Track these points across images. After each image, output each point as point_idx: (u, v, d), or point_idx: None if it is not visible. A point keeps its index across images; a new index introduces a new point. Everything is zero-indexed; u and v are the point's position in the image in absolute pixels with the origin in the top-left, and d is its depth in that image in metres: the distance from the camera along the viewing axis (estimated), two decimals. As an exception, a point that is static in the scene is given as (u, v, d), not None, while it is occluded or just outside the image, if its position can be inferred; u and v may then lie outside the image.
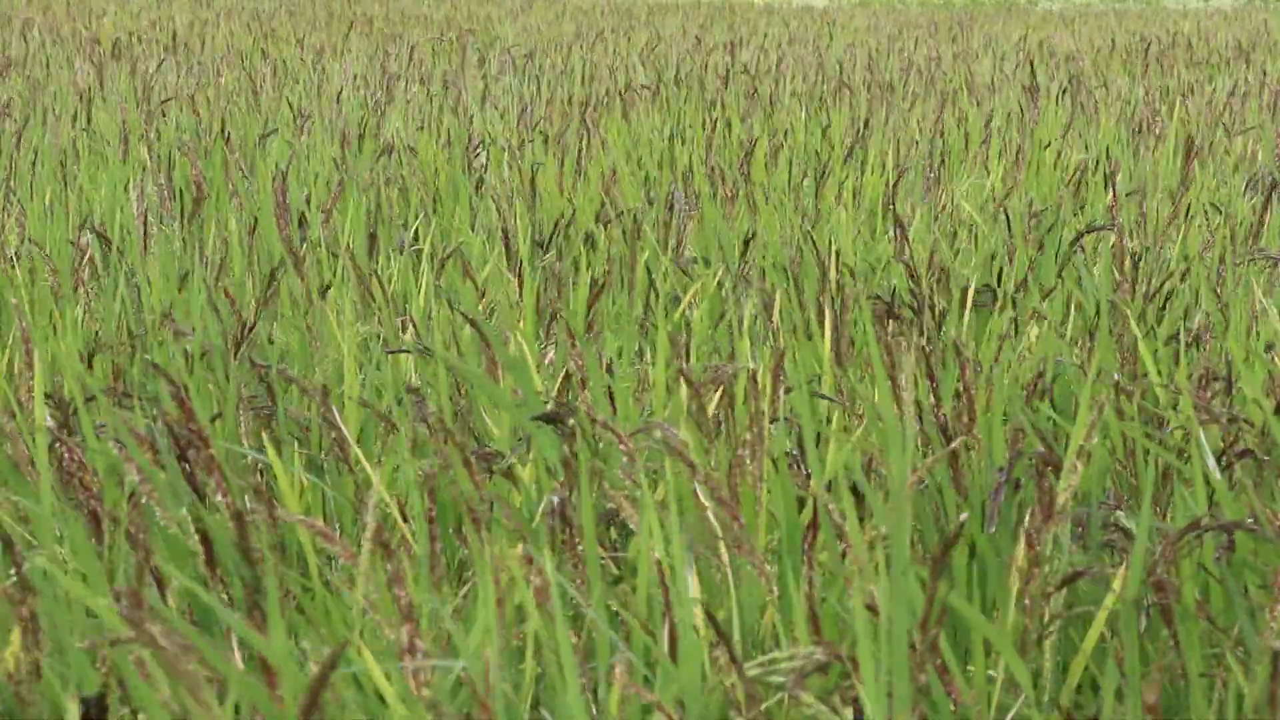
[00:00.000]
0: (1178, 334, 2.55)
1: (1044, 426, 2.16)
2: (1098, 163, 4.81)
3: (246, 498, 1.73)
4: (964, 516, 1.43)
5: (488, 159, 4.93)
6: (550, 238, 3.67)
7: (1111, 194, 3.62)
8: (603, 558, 1.90)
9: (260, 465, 2.28)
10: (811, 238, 3.09)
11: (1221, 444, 1.94)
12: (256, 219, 3.58)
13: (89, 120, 6.17)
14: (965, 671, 1.81)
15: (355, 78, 8.30)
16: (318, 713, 1.21)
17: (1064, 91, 7.50)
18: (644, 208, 4.09)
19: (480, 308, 3.04)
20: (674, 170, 4.87)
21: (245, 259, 3.53)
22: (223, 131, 4.89)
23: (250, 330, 2.58)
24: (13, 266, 3.33)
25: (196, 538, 1.66)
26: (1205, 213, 4.13)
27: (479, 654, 1.45)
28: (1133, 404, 1.93)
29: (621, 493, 1.78)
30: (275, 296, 2.93)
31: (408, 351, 2.36)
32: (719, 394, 1.99)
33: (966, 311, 2.85)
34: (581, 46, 11.72)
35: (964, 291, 2.91)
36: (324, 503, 2.16)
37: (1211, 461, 1.80)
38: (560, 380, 2.35)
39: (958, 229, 4.04)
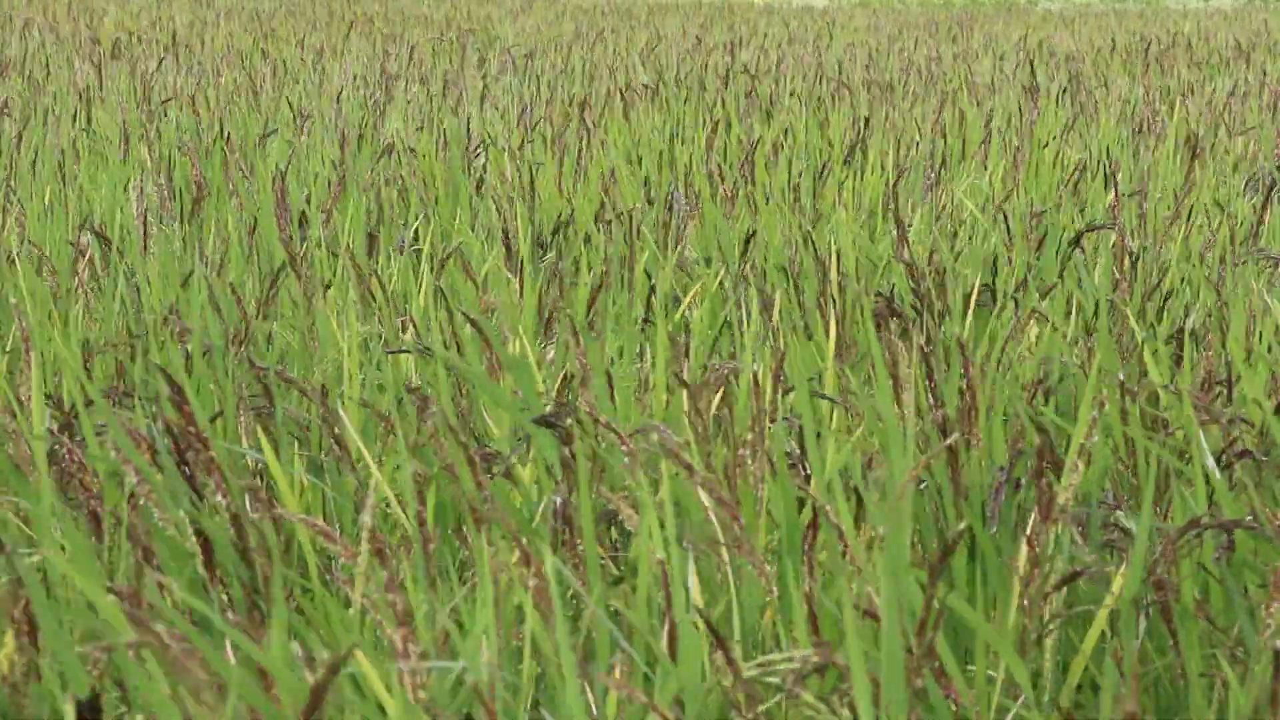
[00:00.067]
0: (1178, 333, 2.55)
1: (1048, 427, 2.16)
2: (1098, 163, 4.81)
3: (246, 498, 1.73)
4: (964, 524, 1.43)
5: (487, 159, 4.93)
6: (552, 238, 3.67)
7: (1113, 193, 3.62)
8: (603, 558, 1.90)
9: (261, 465, 2.28)
10: (811, 239, 3.09)
11: (1222, 444, 1.94)
12: (256, 219, 3.58)
13: (89, 120, 6.17)
14: (965, 671, 1.81)
15: (355, 78, 8.31)
16: (318, 714, 1.21)
17: (1064, 91, 7.50)
18: (644, 208, 4.08)
19: (480, 307, 3.04)
20: (674, 170, 4.87)
21: (245, 259, 3.53)
22: (222, 132, 4.89)
23: (250, 330, 2.58)
24: (12, 266, 3.33)
25: (195, 539, 1.66)
26: (1206, 212, 4.13)
27: (478, 655, 1.45)
28: (1135, 404, 1.93)
29: (621, 494, 1.78)
30: (275, 297, 2.93)
31: (408, 351, 2.36)
32: (719, 394, 1.99)
33: (969, 312, 2.85)
34: (581, 46, 11.72)
35: (964, 291, 2.90)
36: (324, 503, 2.16)
37: (1211, 462, 1.80)
38: (560, 380, 2.35)
39: (958, 229, 4.04)
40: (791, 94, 7.50)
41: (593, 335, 2.85)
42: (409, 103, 7.21)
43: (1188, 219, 3.63)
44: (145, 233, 3.71)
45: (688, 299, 3.08)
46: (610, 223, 3.79)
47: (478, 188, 4.58)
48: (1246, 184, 4.88)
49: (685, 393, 1.75)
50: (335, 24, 14.25)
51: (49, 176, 4.55)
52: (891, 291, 2.81)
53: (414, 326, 2.90)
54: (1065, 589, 1.68)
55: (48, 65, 9.01)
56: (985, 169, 5.15)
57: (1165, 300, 3.00)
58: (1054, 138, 5.79)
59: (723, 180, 4.33)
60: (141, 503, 1.68)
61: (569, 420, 1.90)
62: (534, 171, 4.50)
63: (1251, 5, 24.62)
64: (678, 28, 14.83)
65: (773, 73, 9.16)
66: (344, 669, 1.45)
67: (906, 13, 19.14)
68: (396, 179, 4.56)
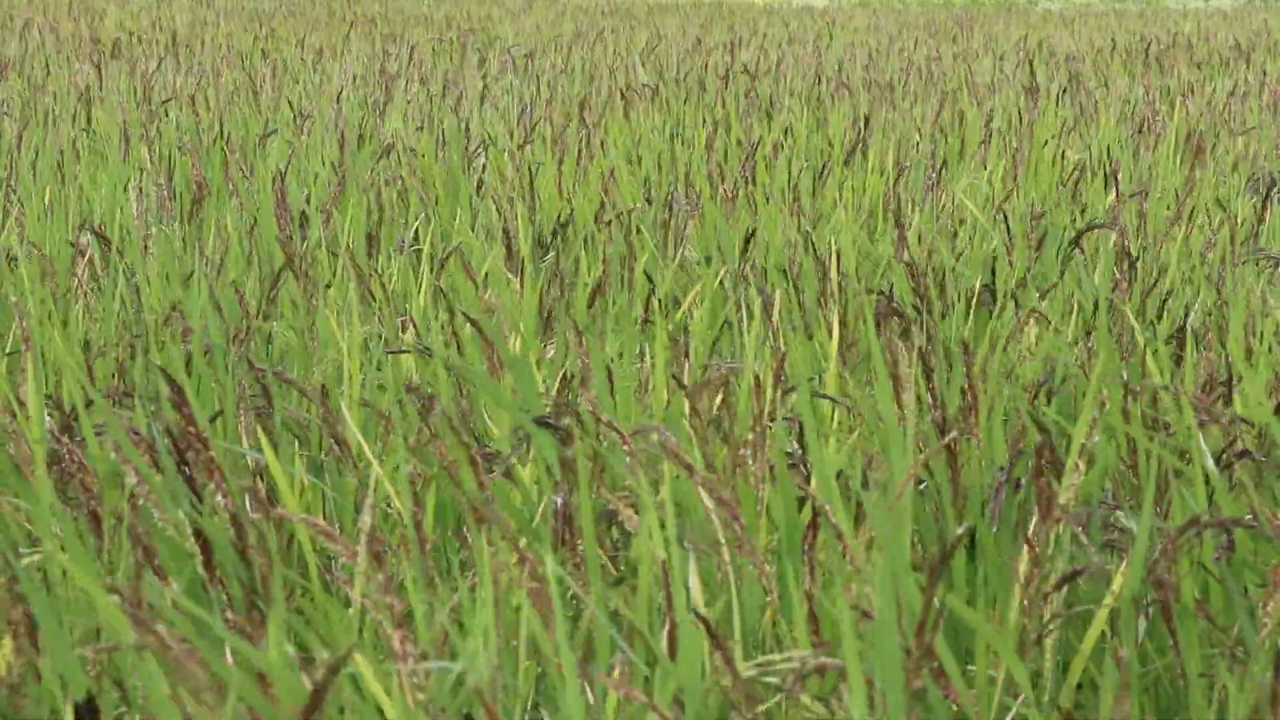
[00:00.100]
0: (1178, 332, 2.55)
1: (1050, 428, 2.16)
2: (1098, 163, 4.81)
3: (246, 499, 1.73)
4: (964, 529, 1.43)
5: (487, 159, 4.93)
6: (554, 237, 3.67)
7: (1115, 193, 3.62)
8: (603, 559, 1.90)
9: (261, 465, 2.28)
10: (811, 240, 3.09)
11: (1222, 445, 1.94)
12: (256, 219, 3.58)
13: (89, 120, 6.17)
14: (966, 671, 1.81)
15: (355, 78, 8.31)
16: (317, 715, 1.21)
17: (1064, 91, 7.50)
18: (644, 208, 4.09)
19: (481, 307, 3.04)
20: (674, 170, 4.87)
21: (245, 259, 3.53)
22: (221, 132, 4.89)
23: (251, 330, 2.58)
24: (12, 267, 3.33)
25: (194, 539, 1.66)
26: (1207, 211, 4.13)
27: (479, 655, 1.44)
28: (1138, 405, 1.93)
29: (620, 494, 1.78)
30: (276, 298, 2.93)
31: (408, 351, 2.36)
32: (720, 395, 1.99)
33: (971, 312, 2.85)
34: (582, 46, 11.72)
35: (964, 291, 2.90)
36: (324, 503, 2.16)
37: (1210, 463, 1.80)
38: (559, 380, 2.35)
39: (957, 229, 4.04)
40: (791, 93, 7.50)
41: (606, 332, 2.85)
42: (409, 103, 7.21)
43: (1189, 219, 3.63)
44: (145, 233, 3.71)
45: (688, 300, 3.08)
46: (610, 224, 3.79)
47: (478, 188, 4.58)
48: (1247, 184, 4.89)
49: (682, 394, 1.75)
50: (335, 24, 14.26)
51: (49, 176, 4.55)
52: (890, 290, 2.81)
53: (414, 326, 2.90)
54: (1065, 589, 1.68)
55: (47, 65, 9.01)
56: (985, 169, 5.15)
57: (1165, 300, 3.00)
58: (1053, 136, 5.79)
59: (723, 180, 4.33)
60: (141, 503, 1.68)
61: (568, 420, 1.90)
62: (534, 172, 4.50)
63: (1251, 5, 24.62)
64: (678, 28, 14.83)
65: (773, 73, 9.16)
66: (344, 669, 1.45)
67: (906, 13, 19.14)
68: (396, 179, 4.56)
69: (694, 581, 1.60)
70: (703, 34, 13.81)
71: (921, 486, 1.95)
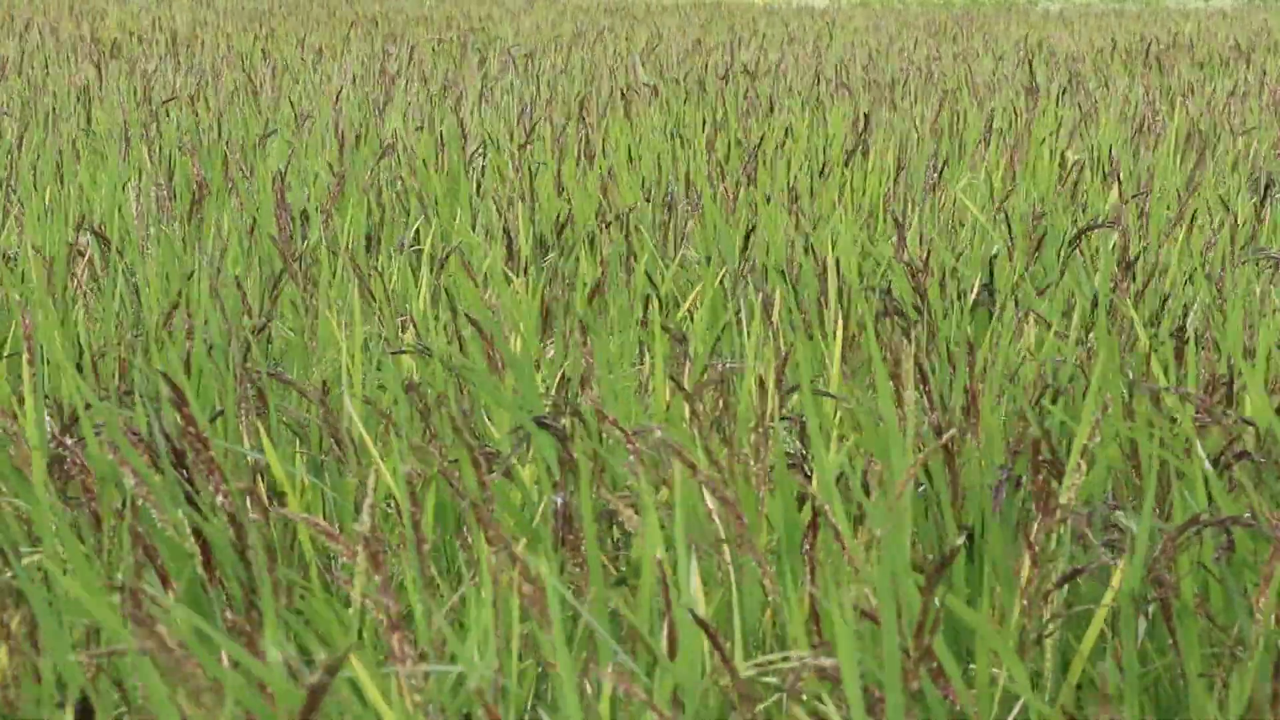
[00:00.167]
0: (1178, 331, 2.55)
1: (1052, 428, 2.16)
2: (1097, 161, 4.81)
3: (246, 498, 1.73)
4: (962, 538, 1.43)
5: (485, 160, 4.93)
6: (557, 237, 3.67)
7: (1117, 192, 3.62)
8: (603, 559, 1.90)
9: (262, 465, 2.28)
10: (810, 242, 3.09)
11: (1222, 445, 1.94)
12: (255, 219, 3.58)
13: (89, 120, 6.17)
14: (967, 671, 1.81)
15: (355, 78, 8.31)
16: (314, 716, 1.21)
17: (1064, 91, 7.50)
18: (644, 207, 4.09)
19: (482, 307, 3.03)
20: (675, 170, 4.87)
21: (245, 259, 3.53)
22: (220, 132, 4.89)
23: (258, 332, 2.58)
24: (11, 267, 3.33)
25: (193, 540, 1.66)
26: (1209, 210, 4.13)
27: (479, 655, 1.44)
28: (1142, 405, 1.93)
29: (621, 494, 1.78)
30: (277, 299, 2.93)
31: (408, 351, 2.36)
32: (719, 395, 1.99)
33: (969, 313, 2.85)
34: (582, 46, 11.72)
35: (964, 291, 2.90)
36: (324, 503, 2.16)
37: (1208, 465, 1.80)
38: (559, 379, 2.35)
39: (957, 229, 4.04)
40: (790, 93, 7.50)
41: (605, 332, 2.85)
42: (409, 103, 7.21)
43: (1191, 220, 3.63)
44: (145, 233, 3.71)
45: (689, 300, 3.07)
46: (609, 225, 3.79)
47: (477, 188, 4.58)
48: (1247, 184, 4.88)
49: (682, 394, 1.75)
50: (335, 24, 14.26)
51: (49, 176, 4.55)
52: (888, 289, 2.81)
53: (414, 326, 2.90)
54: (1065, 588, 1.68)
55: (47, 65, 9.01)
56: (984, 169, 5.15)
57: (1164, 300, 3.00)
58: (1050, 134, 5.79)
59: (724, 179, 4.32)
60: (140, 503, 1.68)
61: (568, 419, 1.90)
62: (534, 172, 4.50)
63: (1251, 5, 24.62)
64: (678, 28, 14.83)
65: (773, 73, 9.16)
66: (342, 671, 1.45)
67: (906, 12, 19.14)
68: (396, 179, 4.56)
69: (694, 581, 1.60)
70: (703, 34, 13.81)
71: (921, 489, 1.95)
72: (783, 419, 2.09)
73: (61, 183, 4.61)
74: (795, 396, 2.46)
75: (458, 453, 1.78)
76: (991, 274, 2.93)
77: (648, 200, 4.35)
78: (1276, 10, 21.36)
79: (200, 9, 16.60)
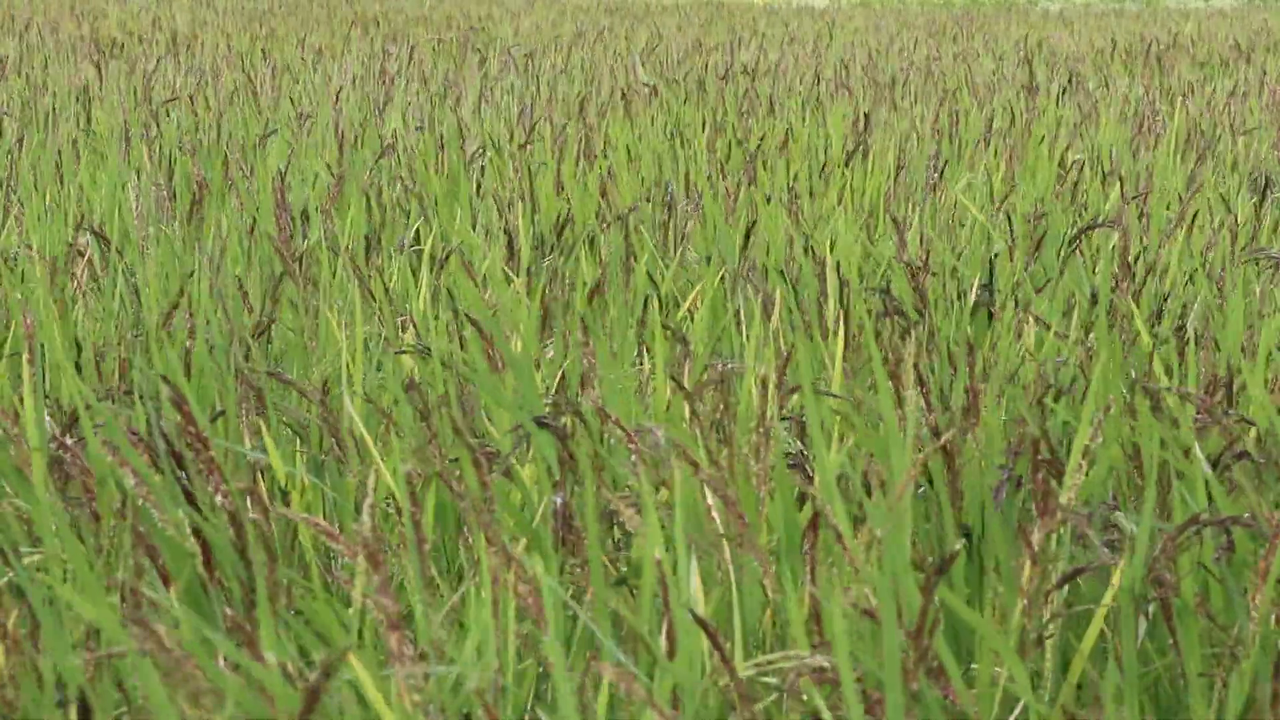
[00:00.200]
0: (1178, 330, 2.55)
1: (1053, 428, 2.16)
2: (1097, 161, 4.81)
3: (248, 499, 1.73)
4: (961, 543, 1.43)
5: (484, 161, 4.93)
6: (557, 238, 3.67)
7: (1120, 192, 3.61)
8: (605, 560, 1.90)
9: (262, 465, 2.28)
10: (810, 243, 3.09)
11: (1223, 446, 1.94)
12: (255, 219, 3.58)
13: (89, 120, 6.17)
14: (969, 671, 1.81)
15: (355, 78, 8.31)
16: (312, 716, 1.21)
17: (1064, 91, 7.50)
18: (643, 207, 4.09)
19: (482, 306, 3.04)
20: (675, 170, 4.87)
21: (245, 259, 3.53)
22: (219, 133, 4.89)
23: (260, 333, 2.58)
24: (12, 267, 3.33)
25: (194, 539, 1.66)
26: (1210, 209, 4.13)
27: (479, 655, 1.44)
28: (1144, 405, 1.93)
29: (621, 494, 1.78)
30: (278, 299, 2.93)
31: (408, 351, 2.36)
32: (720, 395, 1.99)
33: (969, 313, 2.85)
34: (582, 46, 11.72)
35: (963, 292, 2.90)
36: (324, 503, 2.16)
37: (1207, 468, 1.80)
38: (558, 379, 2.35)
39: (957, 229, 4.04)
40: (790, 92, 7.50)
41: (604, 333, 2.84)
42: (409, 104, 7.21)
43: (1192, 221, 3.64)
44: (144, 233, 3.71)
45: (689, 300, 3.08)
46: (609, 226, 3.79)
47: (477, 189, 4.58)
48: (1247, 184, 4.88)
49: (683, 394, 1.75)
50: (335, 24, 14.26)
51: (48, 177, 4.55)
52: (887, 288, 2.81)
53: (414, 327, 2.90)
54: (1065, 589, 1.68)
55: (46, 65, 9.01)
56: (982, 167, 5.15)
57: (1164, 300, 3.00)
58: (1049, 132, 5.79)
59: (725, 178, 4.33)
60: (140, 503, 1.68)
61: (569, 418, 1.90)
62: (534, 172, 4.50)
63: (1251, 5, 24.63)
64: (678, 27, 14.83)
65: (772, 73, 9.16)
66: (342, 673, 1.45)
67: (906, 13, 19.14)
68: (396, 179, 4.56)
69: (694, 581, 1.60)
70: (703, 34, 13.81)
71: (920, 491, 1.95)
72: (783, 419, 2.09)
73: (61, 183, 4.61)
74: (795, 397, 2.46)
75: (458, 452, 1.78)
76: (992, 274, 2.94)
77: (648, 200, 4.35)
78: (1276, 10, 21.36)
79: (200, 9, 16.60)
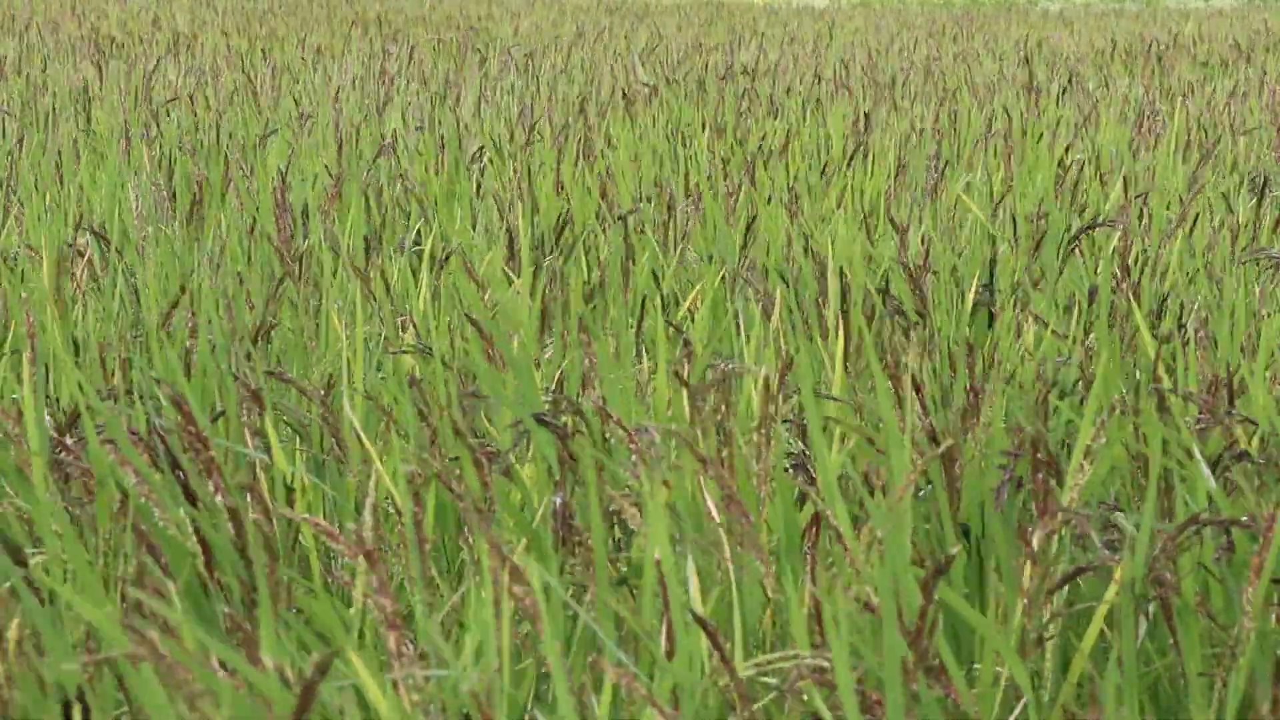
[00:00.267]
0: (1179, 329, 2.55)
1: (1054, 428, 2.16)
2: (1097, 159, 4.81)
3: (249, 499, 1.73)
4: (957, 548, 1.43)
5: (484, 160, 4.93)
6: (558, 237, 3.67)
7: (1123, 192, 3.61)
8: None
9: (262, 465, 2.28)
10: (810, 244, 3.09)
11: (1223, 446, 1.94)
12: (255, 219, 3.58)
13: (89, 120, 6.17)
14: (971, 671, 1.81)
15: (355, 79, 8.31)
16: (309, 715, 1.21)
17: (1064, 91, 7.50)
18: (643, 207, 4.09)
19: (484, 307, 3.04)
20: (675, 170, 4.87)
21: (245, 259, 3.53)
22: (218, 134, 4.89)
23: (261, 334, 2.58)
24: (12, 267, 3.33)
25: (195, 539, 1.66)
26: (1210, 209, 4.13)
27: (479, 655, 1.44)
28: (1148, 406, 1.93)
29: (623, 492, 1.78)
30: (280, 296, 2.93)
31: (409, 351, 2.36)
32: (721, 395, 1.99)
33: (976, 312, 2.85)
34: (582, 46, 11.72)
35: (963, 292, 2.90)
36: (324, 502, 2.16)
37: (1206, 470, 1.80)
38: (557, 378, 2.35)
39: (958, 229, 4.04)
40: (787, 92, 7.50)
41: (604, 333, 2.84)
42: (409, 104, 7.21)
43: (1193, 222, 3.64)
44: (144, 233, 3.71)
45: (689, 300, 3.08)
46: (608, 227, 3.79)
47: (477, 189, 4.58)
48: (1248, 183, 4.89)
49: (686, 392, 1.75)
50: (335, 24, 14.26)
51: (48, 177, 4.55)
52: (887, 287, 2.81)
53: (414, 327, 2.90)
54: (1065, 589, 1.68)
55: (45, 65, 9.01)
56: (981, 167, 5.15)
57: (1164, 300, 3.00)
58: (1048, 129, 5.79)
59: (726, 177, 4.33)
60: (142, 502, 1.68)
61: (569, 417, 1.90)
62: (533, 172, 4.50)
63: (1251, 5, 24.63)
64: (678, 27, 14.83)
65: (772, 72, 9.16)
66: (344, 678, 1.45)
67: (906, 13, 19.14)
68: (396, 179, 4.56)
69: (693, 581, 1.60)
70: (702, 34, 13.81)
71: (920, 494, 1.95)
72: (784, 421, 2.09)
73: (61, 183, 4.61)
74: (795, 398, 2.46)
75: (459, 451, 1.78)
76: (992, 274, 2.94)
77: (648, 201, 4.35)
78: (1276, 10, 21.36)
79: (200, 8, 16.61)
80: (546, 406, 2.08)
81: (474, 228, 4.24)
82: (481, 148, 4.97)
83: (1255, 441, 1.97)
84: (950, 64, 10.13)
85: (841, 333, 2.31)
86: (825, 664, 1.45)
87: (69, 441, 1.80)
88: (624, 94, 6.87)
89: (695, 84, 8.00)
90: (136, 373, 2.42)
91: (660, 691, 1.46)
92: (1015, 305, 2.92)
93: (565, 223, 3.72)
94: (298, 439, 2.22)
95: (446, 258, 3.26)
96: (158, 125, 5.50)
